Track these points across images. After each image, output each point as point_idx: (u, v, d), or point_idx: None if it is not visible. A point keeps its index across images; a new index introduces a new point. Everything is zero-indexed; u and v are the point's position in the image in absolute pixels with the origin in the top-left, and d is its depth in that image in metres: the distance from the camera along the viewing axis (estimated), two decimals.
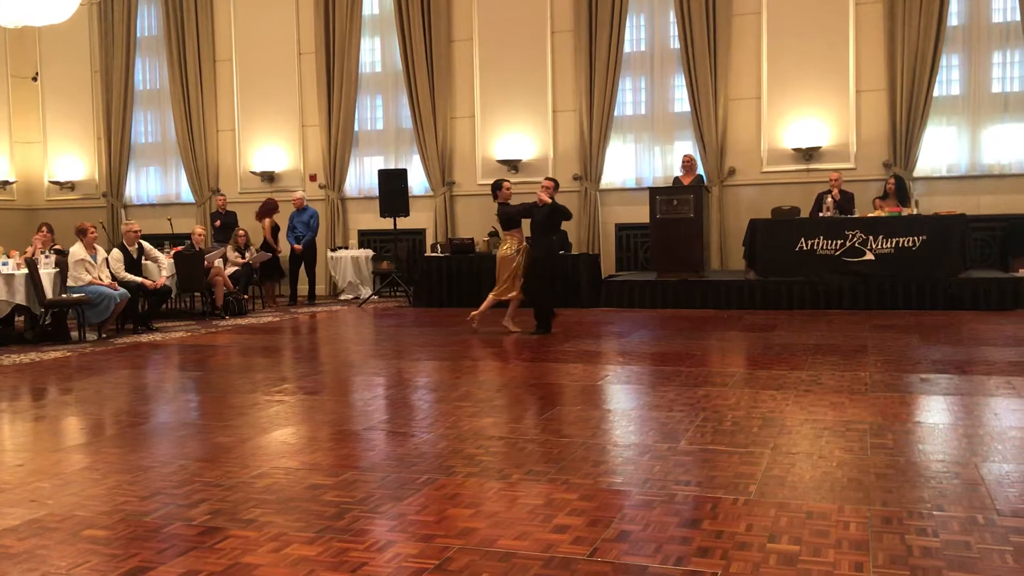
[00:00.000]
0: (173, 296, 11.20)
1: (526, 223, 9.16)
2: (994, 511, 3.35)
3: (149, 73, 15.61)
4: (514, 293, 9.15)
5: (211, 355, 8.30)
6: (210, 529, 3.37)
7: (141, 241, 10.50)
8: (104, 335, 9.64)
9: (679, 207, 10.99)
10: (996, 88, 11.92)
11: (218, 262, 11.68)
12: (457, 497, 3.70)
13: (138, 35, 15.42)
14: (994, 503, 3.44)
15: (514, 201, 9.36)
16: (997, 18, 11.86)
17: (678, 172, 12.12)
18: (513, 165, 13.54)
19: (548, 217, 8.95)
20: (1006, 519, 3.27)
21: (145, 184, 15.81)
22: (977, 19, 11.90)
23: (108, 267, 9.83)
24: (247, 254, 12.61)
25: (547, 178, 9.48)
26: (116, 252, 10.16)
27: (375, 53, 14.46)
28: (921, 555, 2.95)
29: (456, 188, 13.97)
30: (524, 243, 9.15)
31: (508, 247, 9.13)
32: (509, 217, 9.13)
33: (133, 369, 7.57)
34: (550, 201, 8.90)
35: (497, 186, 9.29)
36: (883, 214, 10.89)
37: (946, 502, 3.47)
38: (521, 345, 8.26)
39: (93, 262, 9.57)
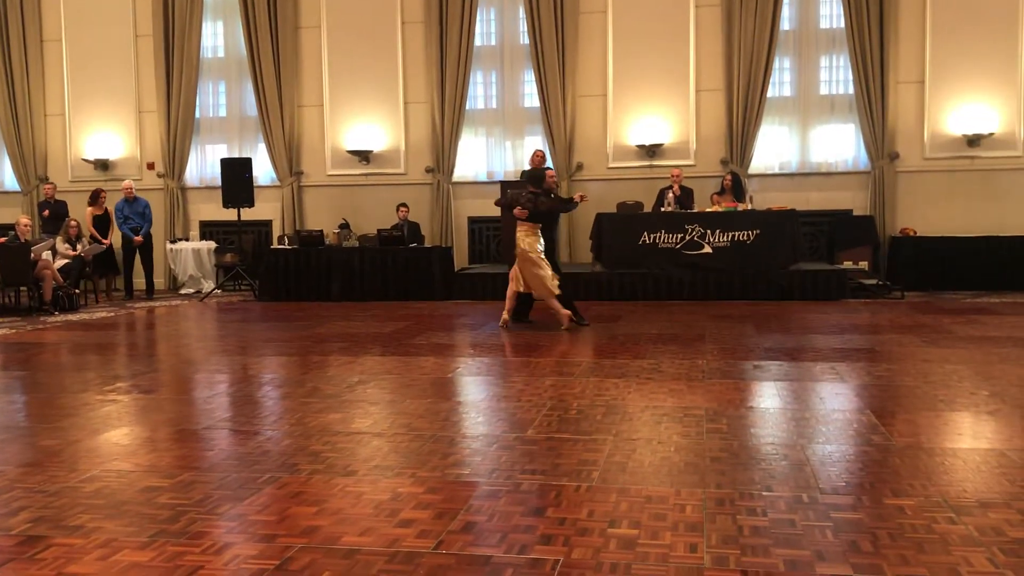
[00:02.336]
0: None
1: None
2: (817, 489, 3.56)
3: None
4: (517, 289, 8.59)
5: (38, 353, 7.80)
6: (31, 538, 3.16)
7: None
8: None
9: None
10: (824, 91, 12.67)
11: (46, 254, 11.01)
12: (300, 495, 3.61)
13: None
14: (818, 482, 3.65)
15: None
16: (824, 24, 12.61)
17: (528, 166, 12.23)
18: (364, 156, 13.37)
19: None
20: (828, 496, 3.47)
21: None
22: (807, 25, 12.60)
23: None
24: (79, 246, 11.92)
25: (549, 168, 9.17)
26: None
27: (218, 38, 13.95)
28: (751, 534, 3.09)
29: (304, 178, 13.67)
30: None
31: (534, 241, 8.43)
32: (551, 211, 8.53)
33: None
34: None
35: (541, 176, 8.54)
36: (720, 209, 11.39)
37: (775, 483, 3.66)
38: (372, 339, 8.16)
39: None
